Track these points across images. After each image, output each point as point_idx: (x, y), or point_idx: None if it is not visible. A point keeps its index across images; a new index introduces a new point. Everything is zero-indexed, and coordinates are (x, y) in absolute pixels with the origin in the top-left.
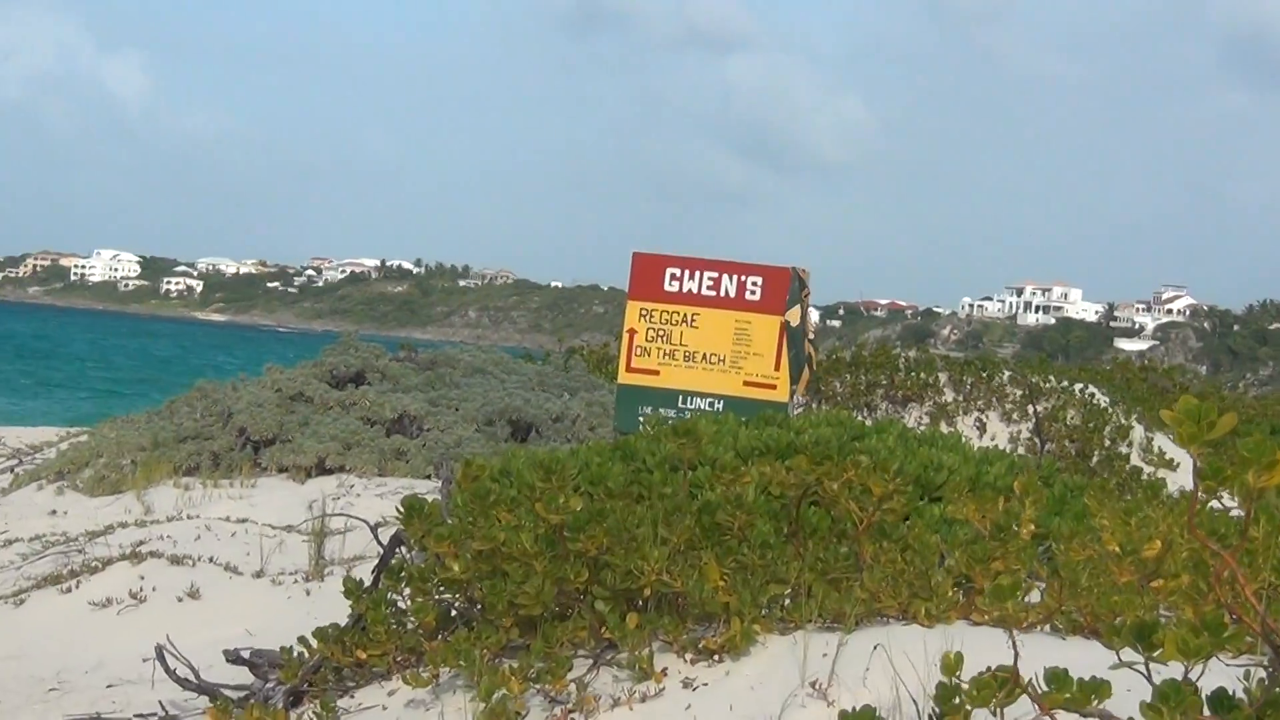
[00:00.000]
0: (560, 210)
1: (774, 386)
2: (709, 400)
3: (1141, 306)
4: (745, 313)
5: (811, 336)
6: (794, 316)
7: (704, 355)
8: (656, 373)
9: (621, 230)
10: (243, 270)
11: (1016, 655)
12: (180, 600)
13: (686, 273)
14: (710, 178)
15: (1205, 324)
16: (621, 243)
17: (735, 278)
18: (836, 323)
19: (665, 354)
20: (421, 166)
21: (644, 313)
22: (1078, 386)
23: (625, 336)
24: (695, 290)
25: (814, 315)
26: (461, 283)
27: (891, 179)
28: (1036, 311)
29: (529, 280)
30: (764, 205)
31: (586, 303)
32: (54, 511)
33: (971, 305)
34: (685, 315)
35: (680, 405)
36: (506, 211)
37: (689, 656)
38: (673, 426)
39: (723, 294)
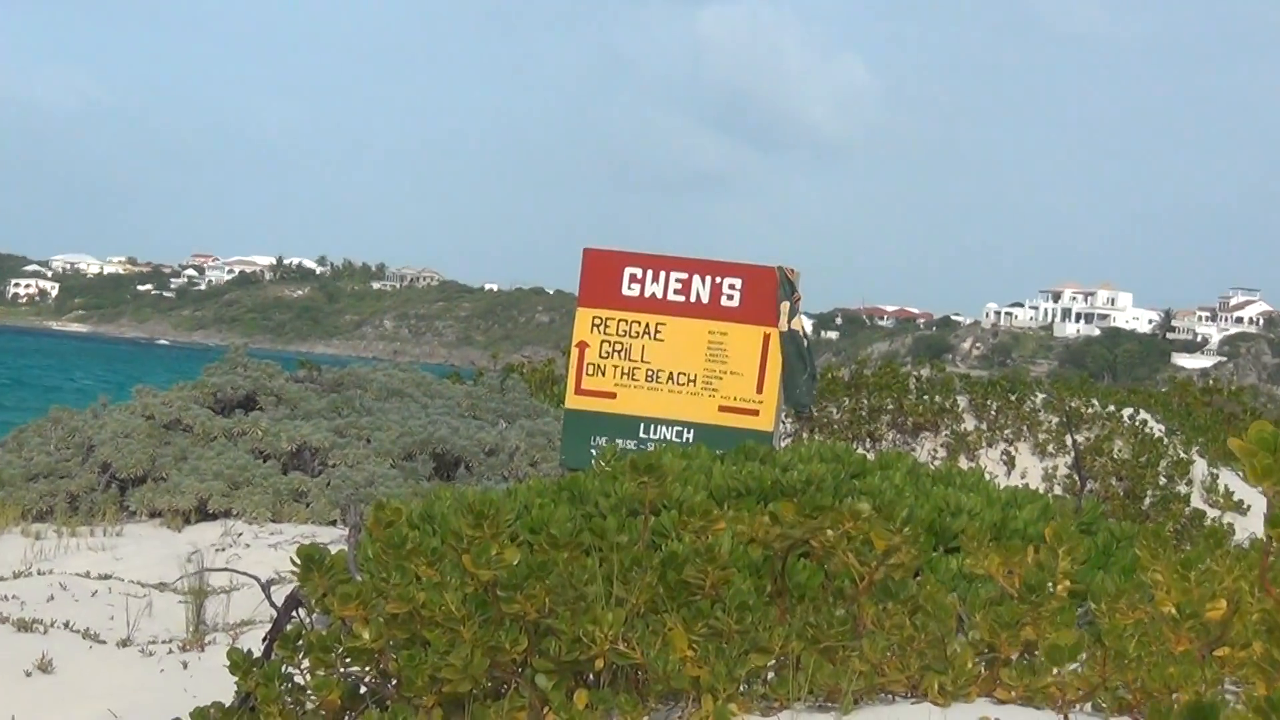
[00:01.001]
0: (496, 197)
1: (756, 413)
2: (677, 429)
3: (1205, 315)
4: (721, 322)
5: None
6: (795, 324)
7: (671, 374)
8: (613, 395)
9: (571, 222)
10: (108, 270)
11: None
12: (29, 674)
13: (649, 273)
14: (680, 158)
15: None
16: (571, 237)
17: (709, 279)
18: (834, 334)
19: (623, 373)
20: (327, 145)
21: (597, 322)
22: (1127, 412)
23: (574, 351)
24: (660, 294)
25: (806, 322)
26: (375, 285)
27: (901, 161)
28: (1077, 320)
29: (458, 283)
30: (745, 192)
31: (528, 310)
32: None
33: (998, 313)
34: (648, 325)
35: (641, 435)
36: (431, 199)
37: None
38: (632, 461)
39: (693, 299)
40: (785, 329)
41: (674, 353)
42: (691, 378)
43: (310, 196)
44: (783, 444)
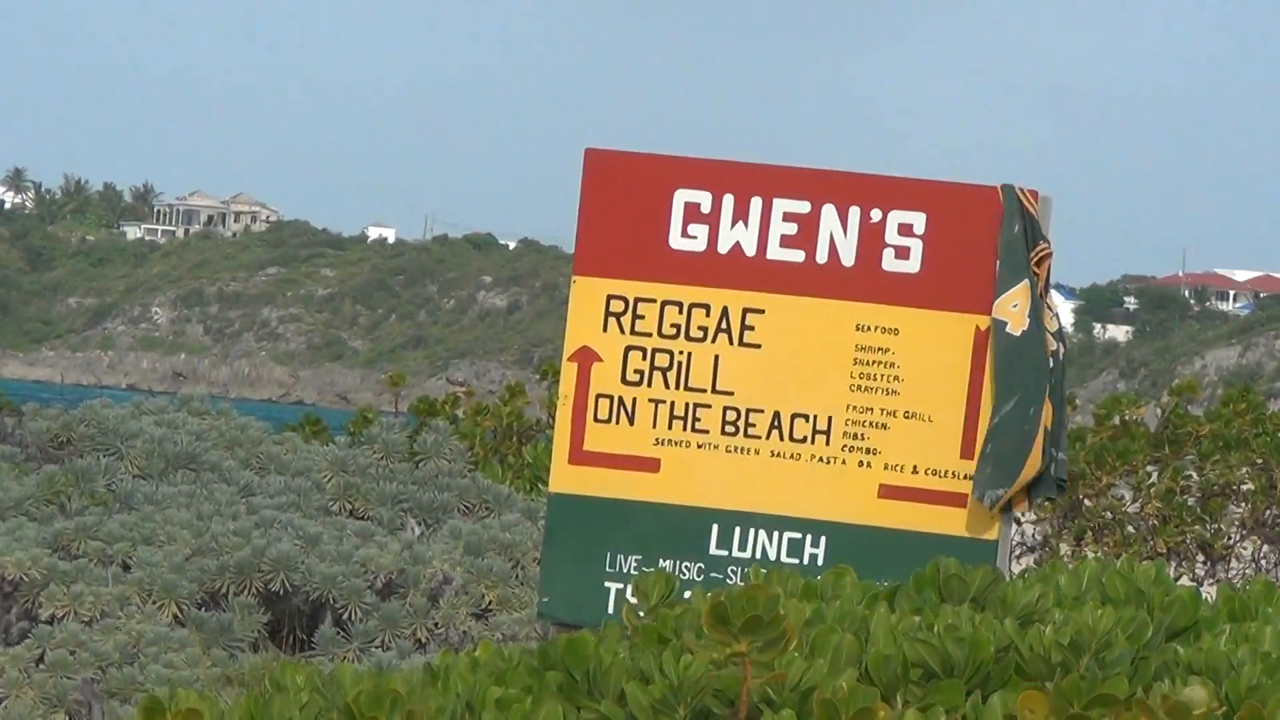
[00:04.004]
0: (398, 53)
1: (961, 499)
2: (791, 534)
3: None
4: (885, 306)
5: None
6: (1013, 315)
7: (776, 418)
8: (652, 465)
9: (560, 105)
10: None
11: None
12: None
13: (729, 201)
14: None
15: None
16: (561, 136)
17: (857, 214)
18: (1120, 331)
19: (675, 415)
20: None
21: (618, 309)
22: None
23: (569, 372)
24: (753, 246)
25: (1061, 308)
26: (132, 233)
27: None
28: None
29: (310, 227)
30: (915, 34)
31: (462, 282)
32: None
33: None
34: (726, 314)
35: (715, 550)
36: (256, 50)
37: None
38: (710, 606)
39: (823, 256)
40: (1025, 324)
41: (783, 371)
42: (822, 426)
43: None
44: (1016, 564)
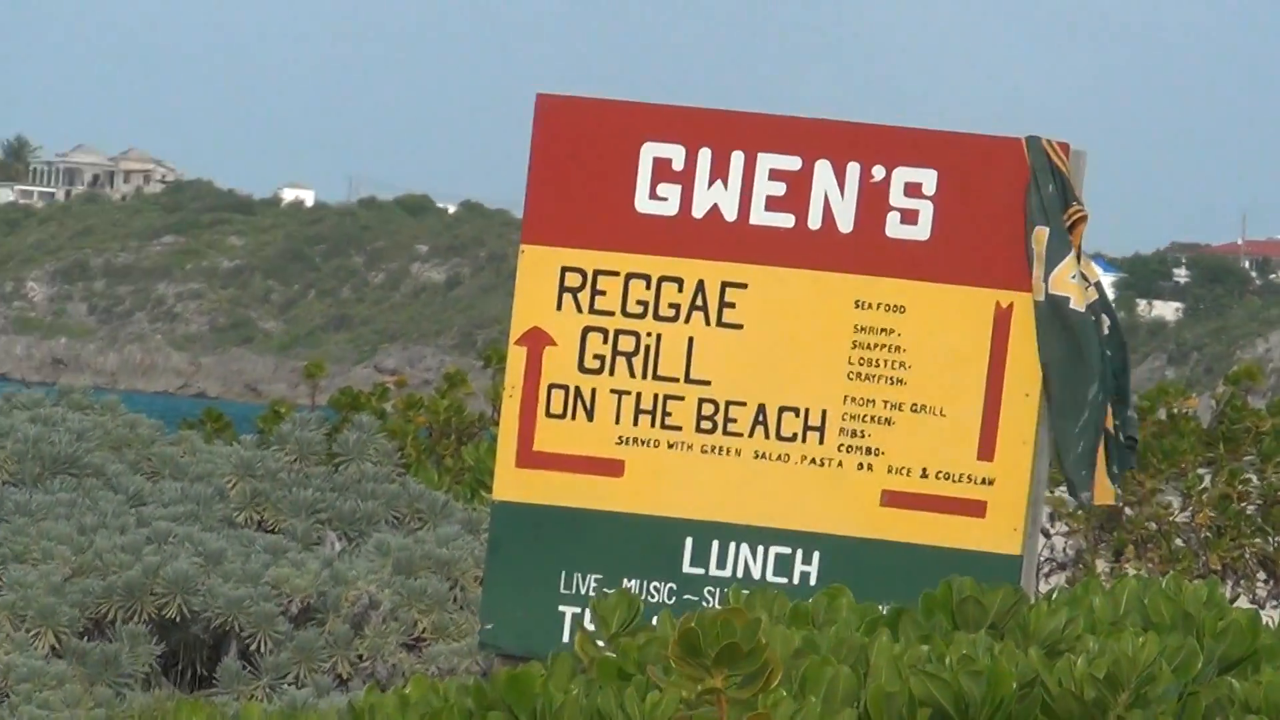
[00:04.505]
0: None
1: (980, 507)
2: (779, 550)
3: None
4: (886, 279)
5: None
6: (1074, 289)
7: (761, 412)
8: (615, 468)
9: (510, 46)
10: None
11: None
12: None
13: (705, 155)
14: None
15: None
16: (511, 81)
17: (857, 171)
18: (1169, 308)
19: (640, 411)
20: None
21: (574, 284)
22: None
23: (516, 358)
24: (733, 210)
25: (1103, 278)
26: (3, 195)
27: None
28: None
29: (214, 185)
30: None
31: (393, 254)
32: None
33: None
34: (702, 288)
35: (689, 568)
36: None
37: None
38: (681, 632)
39: (816, 222)
40: (1085, 297)
41: (769, 357)
42: (815, 421)
43: None
44: (1044, 583)
